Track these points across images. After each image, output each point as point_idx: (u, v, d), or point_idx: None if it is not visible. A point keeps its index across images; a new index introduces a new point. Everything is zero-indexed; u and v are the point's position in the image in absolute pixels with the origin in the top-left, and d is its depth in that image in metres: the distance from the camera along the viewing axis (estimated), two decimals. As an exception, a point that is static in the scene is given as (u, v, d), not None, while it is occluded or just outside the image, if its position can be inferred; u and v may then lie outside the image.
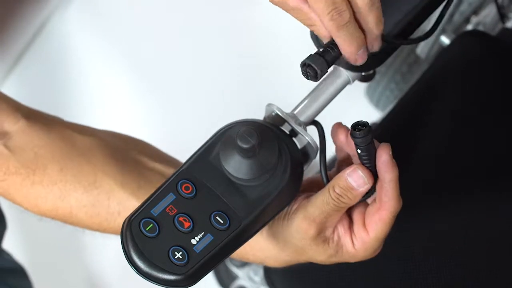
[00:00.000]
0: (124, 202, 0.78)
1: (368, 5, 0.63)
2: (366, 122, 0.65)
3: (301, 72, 0.66)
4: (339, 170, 0.74)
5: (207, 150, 0.69)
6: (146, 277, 0.65)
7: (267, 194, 0.67)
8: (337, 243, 0.72)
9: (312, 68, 0.64)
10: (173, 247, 0.65)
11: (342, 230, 0.72)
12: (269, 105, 0.73)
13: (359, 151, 0.67)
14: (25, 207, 0.81)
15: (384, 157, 0.67)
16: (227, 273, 1.47)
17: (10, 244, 1.32)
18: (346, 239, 0.72)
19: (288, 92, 1.47)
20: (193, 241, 0.65)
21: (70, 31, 1.76)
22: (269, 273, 0.98)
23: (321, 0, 0.62)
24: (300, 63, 0.65)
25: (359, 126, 0.65)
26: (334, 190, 0.68)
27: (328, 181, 0.70)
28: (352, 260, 0.74)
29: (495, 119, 0.99)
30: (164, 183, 0.67)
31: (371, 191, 0.70)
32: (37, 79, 1.73)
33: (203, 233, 0.65)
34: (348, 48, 0.64)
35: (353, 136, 0.66)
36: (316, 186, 0.74)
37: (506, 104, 1.00)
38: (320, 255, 0.73)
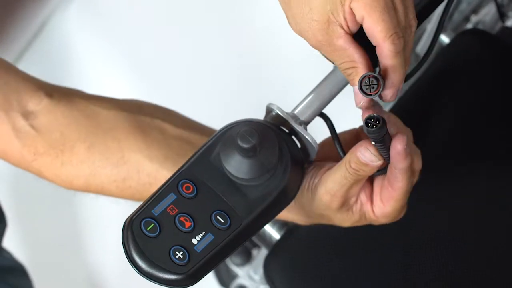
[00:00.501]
0: (154, 174, 0.79)
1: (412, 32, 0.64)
2: (380, 117, 0.65)
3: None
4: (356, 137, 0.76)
5: (208, 150, 0.69)
6: (147, 277, 0.65)
7: (268, 194, 0.68)
8: (359, 210, 0.74)
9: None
10: (174, 247, 0.65)
11: (364, 198, 0.73)
12: (269, 104, 0.73)
13: (373, 142, 0.68)
14: (59, 185, 0.82)
15: (398, 147, 0.68)
16: (227, 272, 1.47)
17: (11, 243, 1.32)
18: (367, 208, 0.74)
19: (288, 92, 1.48)
20: (194, 241, 0.65)
21: (70, 30, 1.76)
22: (269, 271, 0.98)
23: (384, 22, 0.62)
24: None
25: (372, 121, 0.65)
26: (350, 166, 0.70)
27: (344, 154, 0.71)
28: (376, 223, 0.75)
29: (495, 118, 0.99)
30: (165, 183, 0.68)
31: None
32: (38, 77, 1.72)
33: (203, 232, 0.66)
34: (400, 77, 0.64)
35: (367, 132, 0.66)
36: (329, 151, 0.75)
37: (506, 102, 1.00)
38: (346, 222, 0.75)
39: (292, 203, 0.75)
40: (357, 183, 0.71)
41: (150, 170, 0.79)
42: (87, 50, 1.74)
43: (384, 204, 0.73)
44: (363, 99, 0.66)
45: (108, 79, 1.72)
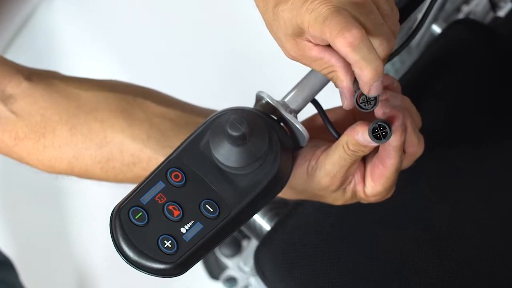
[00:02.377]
0: (137, 154, 0.78)
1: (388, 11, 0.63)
2: (387, 122, 0.66)
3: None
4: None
5: (197, 138, 0.68)
6: (135, 266, 0.64)
7: (258, 183, 0.67)
8: (352, 189, 0.74)
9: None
10: (163, 236, 0.64)
11: (357, 178, 0.74)
12: (259, 92, 0.72)
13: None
14: (41, 169, 0.81)
15: (395, 124, 0.67)
16: (216, 263, 1.46)
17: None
18: (359, 187, 0.74)
19: (278, 80, 1.47)
20: (183, 230, 0.65)
21: (56, 23, 1.75)
22: (259, 262, 0.97)
23: (333, 22, 0.61)
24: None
25: (381, 128, 0.66)
26: (348, 147, 0.69)
27: (338, 135, 0.71)
28: (365, 202, 0.76)
29: (488, 108, 0.99)
30: (153, 171, 0.67)
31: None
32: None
33: (192, 221, 0.65)
34: (368, 74, 0.61)
35: (375, 141, 0.66)
36: (321, 131, 0.75)
37: (498, 92, 1.00)
38: (339, 201, 0.75)
39: None
40: (355, 163, 0.72)
41: (134, 150, 0.78)
42: (73, 42, 1.73)
43: (375, 183, 0.73)
44: (350, 106, 0.66)
45: (95, 70, 1.70)
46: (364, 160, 0.74)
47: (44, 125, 0.78)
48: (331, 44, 0.62)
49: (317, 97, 0.73)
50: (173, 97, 0.85)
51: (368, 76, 0.61)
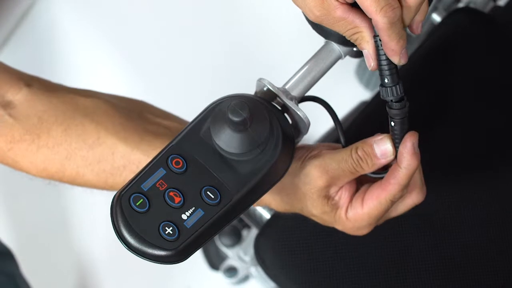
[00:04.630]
0: (127, 156, 0.78)
1: (418, 3, 0.64)
2: (403, 94, 0.66)
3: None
4: None
5: (198, 125, 0.68)
6: (136, 253, 0.64)
7: (259, 169, 0.67)
8: (335, 203, 0.73)
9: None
10: (164, 222, 0.64)
11: (345, 195, 0.73)
12: (260, 79, 0.72)
13: (392, 123, 0.68)
14: (33, 174, 0.81)
15: (408, 143, 0.69)
16: (217, 253, 1.46)
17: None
18: (344, 204, 0.73)
19: (279, 67, 1.47)
20: (184, 216, 0.64)
21: (55, 15, 1.74)
22: (260, 251, 0.97)
23: None
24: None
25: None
26: (356, 152, 0.70)
27: (346, 142, 0.72)
28: (339, 227, 0.75)
29: (488, 95, 0.99)
30: (154, 158, 0.67)
31: (384, 171, 0.71)
32: (23, 61, 1.71)
33: (193, 208, 0.65)
34: (397, 46, 0.64)
35: (390, 107, 0.67)
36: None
37: (499, 80, 0.99)
38: (316, 208, 0.73)
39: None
40: (350, 175, 0.71)
41: (124, 152, 0.77)
42: (74, 32, 1.73)
43: (363, 204, 0.72)
44: (376, 67, 0.67)
45: (94, 62, 1.71)
46: (360, 183, 0.74)
47: (40, 126, 0.78)
48: (367, 14, 0.63)
49: (316, 95, 0.73)
50: (172, 114, 0.85)
51: (402, 46, 0.64)
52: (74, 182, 0.80)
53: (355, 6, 0.64)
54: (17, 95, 0.79)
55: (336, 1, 0.64)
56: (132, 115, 0.81)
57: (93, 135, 0.78)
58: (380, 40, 0.64)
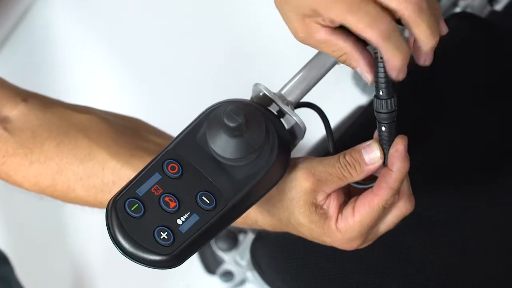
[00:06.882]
0: (117, 172, 0.77)
1: (416, 13, 0.61)
2: (396, 108, 0.66)
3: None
4: None
5: (194, 130, 0.68)
6: (131, 258, 0.64)
7: (254, 174, 0.67)
8: (324, 213, 0.71)
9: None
10: (159, 227, 0.64)
11: (334, 204, 0.71)
12: (256, 85, 0.72)
13: (383, 128, 0.67)
14: (26, 188, 0.81)
15: (399, 146, 0.68)
16: (213, 257, 1.46)
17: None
18: (333, 214, 0.71)
19: (275, 73, 1.47)
20: (179, 221, 0.64)
21: (53, 18, 1.74)
22: (256, 256, 0.97)
23: (361, 12, 0.60)
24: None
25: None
26: (344, 157, 0.69)
27: (334, 150, 0.71)
28: (328, 240, 0.73)
29: (486, 101, 0.99)
30: (149, 163, 0.67)
31: (371, 182, 0.70)
32: (21, 63, 1.71)
33: (189, 213, 0.65)
34: (395, 61, 0.62)
35: (377, 111, 0.66)
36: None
37: (497, 86, 0.99)
38: (304, 216, 0.71)
39: None
40: (337, 180, 0.70)
41: (114, 168, 0.77)
42: (71, 36, 1.73)
43: (355, 213, 0.70)
44: (373, 79, 0.65)
45: (92, 65, 1.71)
46: (348, 195, 0.73)
47: (34, 140, 0.78)
48: (361, 34, 0.62)
49: (313, 100, 0.73)
50: (163, 131, 0.86)
51: (401, 61, 0.62)
52: (66, 197, 0.80)
53: (341, 27, 0.63)
54: (14, 111, 0.79)
55: (317, 24, 0.63)
56: (126, 131, 0.81)
57: (85, 150, 0.78)
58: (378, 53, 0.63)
